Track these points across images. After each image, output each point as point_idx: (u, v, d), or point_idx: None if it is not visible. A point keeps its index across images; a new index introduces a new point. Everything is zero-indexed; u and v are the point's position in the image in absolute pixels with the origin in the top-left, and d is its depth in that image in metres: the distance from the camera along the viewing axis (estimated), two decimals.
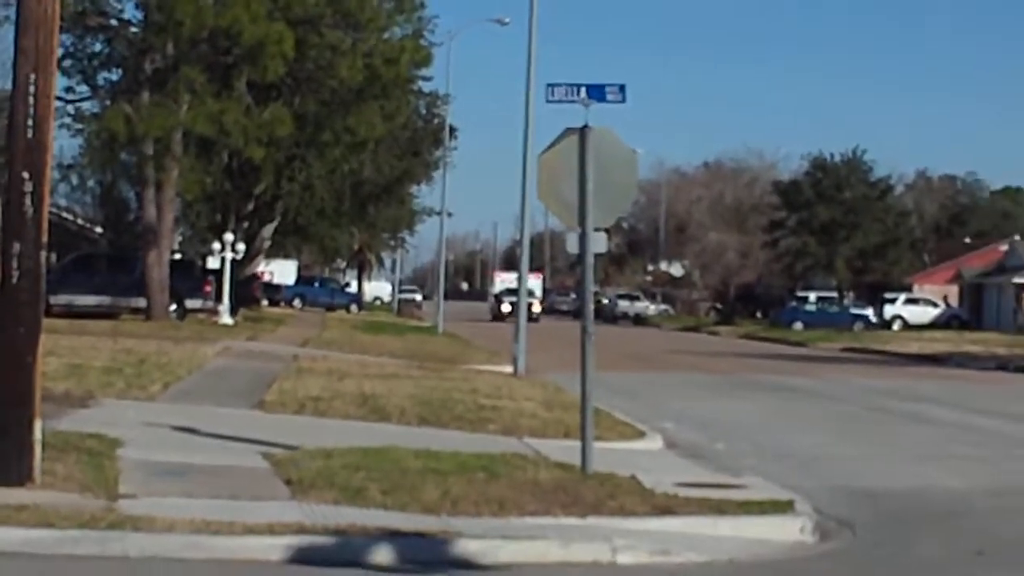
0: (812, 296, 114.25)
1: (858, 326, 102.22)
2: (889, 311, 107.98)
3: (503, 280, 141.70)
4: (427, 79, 77.49)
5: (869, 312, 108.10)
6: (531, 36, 43.67)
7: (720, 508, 17.65)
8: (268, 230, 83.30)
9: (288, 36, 57.05)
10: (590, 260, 19.98)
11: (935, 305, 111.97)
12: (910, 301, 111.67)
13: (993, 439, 29.63)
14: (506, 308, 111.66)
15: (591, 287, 20.49)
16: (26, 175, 16.26)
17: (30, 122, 16.22)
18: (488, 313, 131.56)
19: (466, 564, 14.53)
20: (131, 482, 17.32)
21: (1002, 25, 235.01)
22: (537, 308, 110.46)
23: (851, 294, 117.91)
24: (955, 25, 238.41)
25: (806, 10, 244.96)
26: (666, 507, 17.36)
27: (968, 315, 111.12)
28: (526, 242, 50.18)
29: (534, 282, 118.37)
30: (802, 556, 16.17)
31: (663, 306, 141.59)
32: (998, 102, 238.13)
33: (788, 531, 17.09)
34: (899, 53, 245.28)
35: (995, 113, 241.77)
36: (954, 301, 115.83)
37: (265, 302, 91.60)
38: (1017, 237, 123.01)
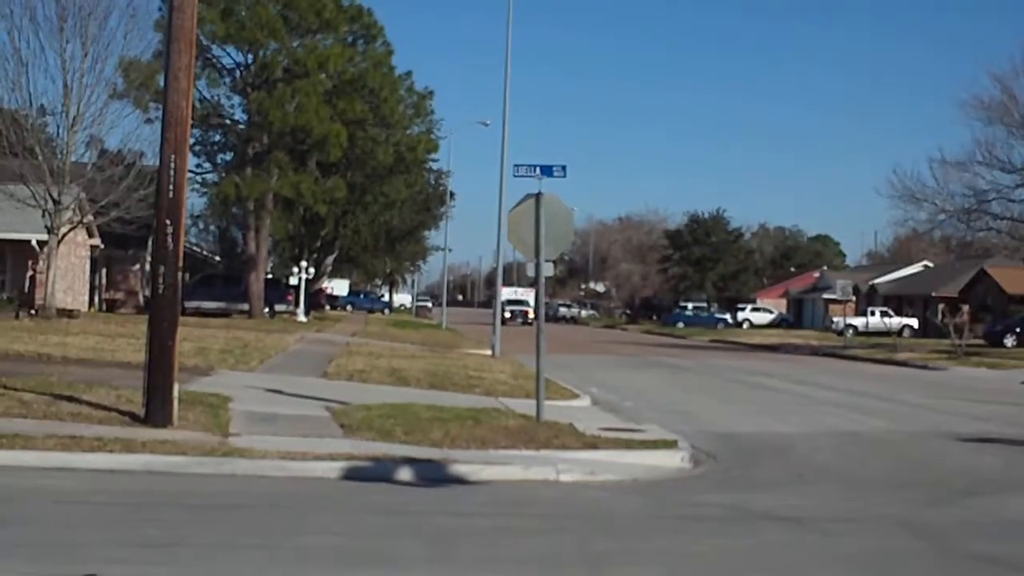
0: (690, 305, 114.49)
1: (720, 326, 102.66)
2: (741, 316, 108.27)
3: (505, 293, 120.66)
4: (435, 160, 77.95)
5: (727, 316, 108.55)
6: (504, 134, 43.75)
7: (628, 444, 17.70)
8: (329, 259, 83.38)
9: (343, 132, 57.33)
10: (543, 281, 20.04)
11: (771, 312, 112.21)
12: (755, 309, 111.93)
13: (808, 400, 29.67)
14: (507, 315, 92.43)
15: (543, 299, 20.51)
16: (168, 222, 16.28)
17: (171, 187, 16.24)
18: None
19: (460, 480, 14.56)
20: (238, 425, 17.34)
21: (817, 107, 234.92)
22: (531, 315, 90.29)
23: (716, 304, 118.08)
24: (782, 110, 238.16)
25: (683, 101, 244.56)
26: (592, 444, 17.39)
27: (793, 319, 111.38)
28: (500, 269, 50.39)
29: (528, 295, 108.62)
30: (683, 476, 16.22)
31: (591, 311, 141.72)
32: (816, 174, 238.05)
33: (673, 460, 17.11)
34: (750, 133, 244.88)
35: (812, 182, 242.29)
36: (784, 310, 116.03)
37: (327, 307, 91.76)
38: (824, 268, 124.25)
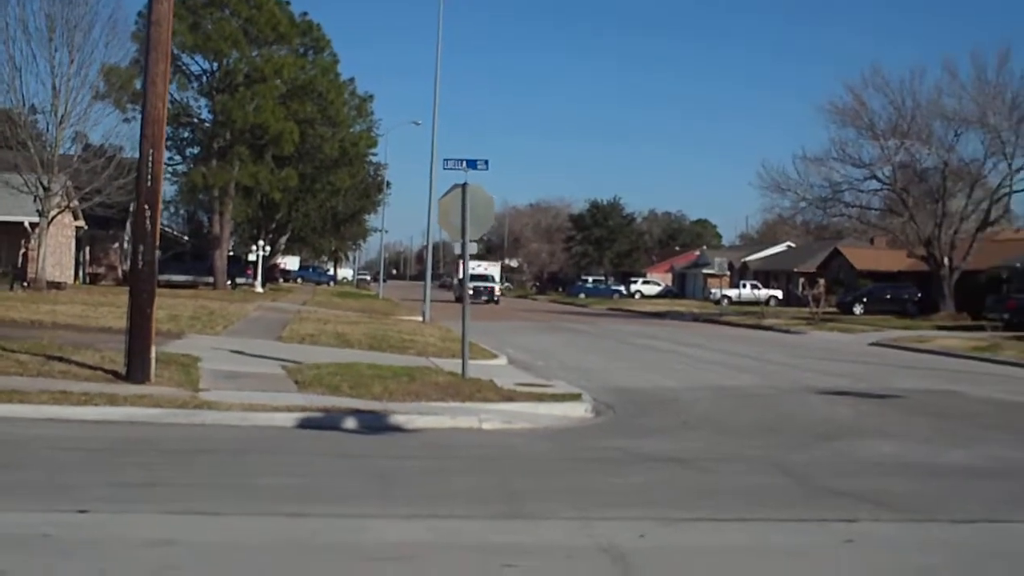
0: (590, 279, 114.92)
1: (616, 296, 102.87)
2: (633, 288, 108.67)
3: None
4: (374, 154, 77.99)
5: (622, 288, 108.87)
6: (434, 129, 43.55)
7: (540, 398, 17.76)
8: (283, 239, 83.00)
9: (295, 130, 57.28)
10: (467, 258, 20.07)
11: (659, 284, 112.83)
12: (645, 282, 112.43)
13: (690, 359, 29.86)
14: (470, 292, 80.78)
15: (468, 273, 20.53)
16: (147, 207, 16.12)
17: (149, 177, 16.06)
18: (452, 295, 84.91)
19: (398, 428, 14.55)
20: (206, 381, 17.20)
21: (701, 109, 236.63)
22: (498, 291, 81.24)
23: (612, 278, 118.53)
24: (672, 112, 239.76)
25: (589, 104, 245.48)
26: (510, 397, 17.45)
27: (677, 291, 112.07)
28: (430, 248, 50.29)
29: (493, 269, 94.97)
30: (586, 424, 16.28)
31: (506, 284, 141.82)
32: (699, 167, 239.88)
33: (578, 411, 17.19)
34: (643, 131, 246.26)
35: (695, 173, 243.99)
36: (670, 283, 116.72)
37: (281, 280, 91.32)
38: (704, 247, 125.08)
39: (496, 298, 76.56)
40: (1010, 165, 56.90)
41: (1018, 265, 59.31)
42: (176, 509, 9.12)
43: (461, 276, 64.41)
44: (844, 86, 63.38)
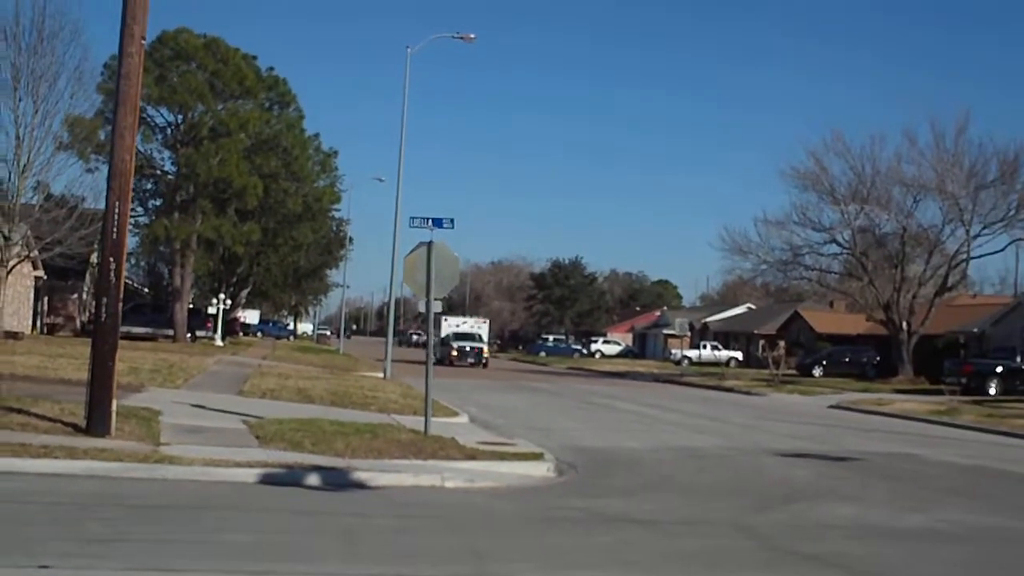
0: (551, 338, 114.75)
1: (576, 355, 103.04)
2: (594, 347, 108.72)
3: (451, 323, 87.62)
4: (337, 210, 77.90)
5: (582, 347, 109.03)
6: (398, 186, 43.67)
7: (502, 456, 17.75)
8: (244, 293, 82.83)
9: (259, 184, 57.41)
10: (431, 316, 20.09)
11: (619, 344, 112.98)
12: (606, 342, 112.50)
13: (652, 420, 29.86)
14: (453, 354, 65.88)
15: (432, 331, 20.56)
16: (112, 260, 16.09)
17: (115, 229, 16.04)
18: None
19: (360, 485, 14.51)
20: (167, 435, 17.07)
21: (660, 169, 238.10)
22: (486, 352, 69.13)
23: (572, 337, 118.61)
24: (632, 171, 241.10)
25: (550, 163, 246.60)
26: (472, 455, 17.41)
27: (637, 351, 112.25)
28: (392, 304, 50.19)
29: (481, 327, 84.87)
30: (549, 484, 16.25)
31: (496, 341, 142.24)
32: (660, 227, 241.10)
33: (540, 470, 17.17)
34: (604, 191, 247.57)
35: (656, 234, 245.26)
36: (630, 342, 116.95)
37: (241, 334, 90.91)
38: (665, 308, 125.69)
39: (484, 360, 66.62)
40: (968, 232, 57.70)
41: (975, 330, 59.94)
42: (139, 565, 9.07)
43: (444, 336, 59.76)
44: (805, 151, 64.15)
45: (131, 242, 66.10)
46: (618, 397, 40.50)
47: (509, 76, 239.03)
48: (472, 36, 41.94)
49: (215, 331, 67.34)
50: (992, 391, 46.13)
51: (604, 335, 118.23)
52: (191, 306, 67.49)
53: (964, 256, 59.36)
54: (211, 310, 69.63)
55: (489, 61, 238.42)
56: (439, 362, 58.86)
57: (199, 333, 65.20)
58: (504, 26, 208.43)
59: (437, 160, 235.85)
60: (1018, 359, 48.74)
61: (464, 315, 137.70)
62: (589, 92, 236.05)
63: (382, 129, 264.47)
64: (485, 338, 73.77)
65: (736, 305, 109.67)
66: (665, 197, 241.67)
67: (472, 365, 64.52)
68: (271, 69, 62.65)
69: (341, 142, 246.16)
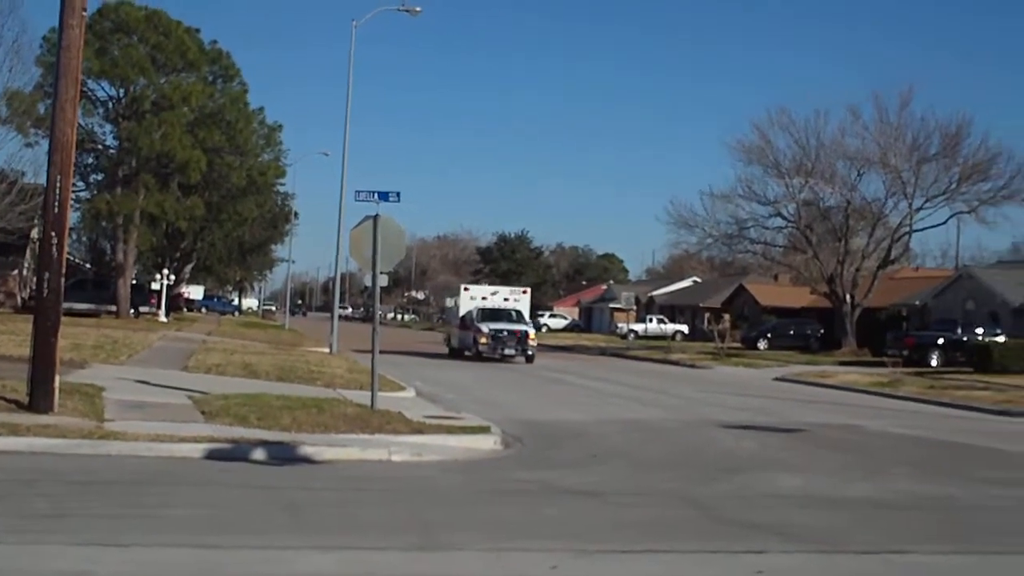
0: None
1: None
2: (540, 321, 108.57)
3: (475, 296, 50.90)
4: (282, 184, 77.36)
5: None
6: (344, 160, 43.52)
7: (449, 430, 17.80)
8: (188, 268, 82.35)
9: (202, 158, 56.88)
10: (377, 291, 20.07)
11: (566, 318, 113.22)
12: (552, 316, 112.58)
13: (598, 393, 30.01)
14: (483, 342, 44.46)
15: (378, 305, 20.54)
16: (53, 235, 15.94)
17: (56, 204, 15.87)
18: (444, 345, 52.69)
19: (307, 459, 14.52)
20: (111, 412, 17.01)
21: (605, 143, 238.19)
22: (533, 338, 45.79)
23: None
24: (578, 145, 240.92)
25: (498, 137, 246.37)
26: (419, 429, 17.44)
27: (584, 325, 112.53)
28: (337, 279, 50.15)
29: (520, 299, 50.77)
30: (495, 457, 16.31)
31: (413, 316, 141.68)
32: (605, 201, 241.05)
33: (487, 443, 17.23)
34: (550, 165, 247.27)
35: (602, 208, 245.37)
36: (576, 317, 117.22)
37: (185, 309, 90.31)
38: (611, 281, 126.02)
39: (531, 351, 44.49)
40: (910, 205, 58.42)
41: (917, 303, 60.66)
42: (85, 540, 9.02)
43: (464, 314, 45.59)
44: (751, 125, 64.50)
45: (73, 217, 65.36)
46: (565, 371, 40.62)
47: (455, 52, 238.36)
48: (418, 9, 41.77)
49: (159, 307, 66.84)
50: (934, 363, 46.78)
51: (550, 309, 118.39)
52: (134, 282, 66.87)
53: (907, 229, 60.13)
54: (155, 286, 69.08)
55: (434, 37, 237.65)
56: (455, 353, 47.03)
57: (143, 309, 64.71)
58: (450, 1, 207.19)
59: (383, 134, 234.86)
60: (959, 331, 49.40)
61: (411, 290, 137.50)
62: (535, 66, 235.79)
63: (328, 104, 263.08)
64: (527, 316, 48.58)
65: (682, 279, 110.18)
66: (611, 171, 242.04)
67: (506, 358, 44.49)
68: (214, 42, 62.10)
69: (286, 116, 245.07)
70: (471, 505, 12.04)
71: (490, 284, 58.86)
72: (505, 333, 44.29)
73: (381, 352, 20.84)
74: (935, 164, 57.57)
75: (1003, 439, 21.65)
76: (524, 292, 50.60)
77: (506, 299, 48.91)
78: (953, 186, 57.43)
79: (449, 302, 49.37)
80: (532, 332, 45.02)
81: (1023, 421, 26.39)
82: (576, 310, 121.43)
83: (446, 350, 49.45)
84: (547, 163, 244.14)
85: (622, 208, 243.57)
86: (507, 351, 44.01)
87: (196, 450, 14.37)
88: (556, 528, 10.78)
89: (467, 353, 45.19)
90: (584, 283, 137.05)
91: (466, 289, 48.99)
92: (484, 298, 48.47)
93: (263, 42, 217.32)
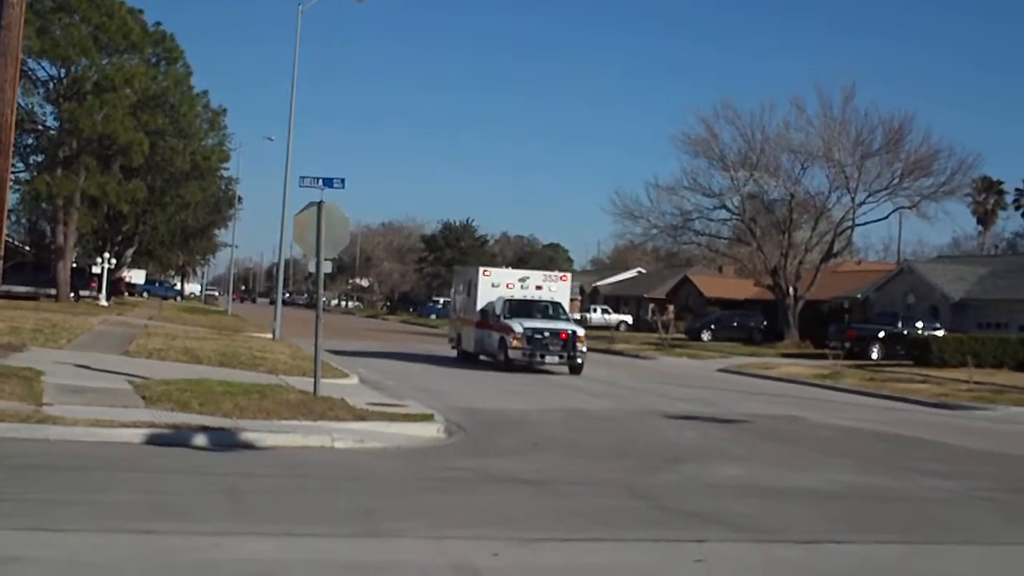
0: (441, 300, 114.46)
1: None
2: None
3: (497, 283, 37.22)
4: (226, 168, 76.57)
5: None
6: (289, 145, 43.22)
7: (392, 417, 17.80)
8: (130, 252, 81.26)
9: (145, 141, 56.10)
10: (321, 277, 19.98)
11: None
12: None
13: (540, 381, 29.99)
14: (517, 345, 32.90)
15: (322, 292, 20.47)
16: None
17: None
18: (449, 346, 40.04)
19: (249, 446, 14.47)
20: (50, 396, 16.82)
21: (553, 134, 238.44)
22: (583, 344, 33.74)
23: None
24: (524, 136, 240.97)
25: (443, 129, 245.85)
26: (362, 416, 17.43)
27: None
28: (281, 264, 49.89)
29: (559, 286, 38.19)
30: (438, 445, 16.35)
31: (357, 303, 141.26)
32: (550, 191, 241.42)
33: (429, 431, 17.26)
34: (495, 156, 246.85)
35: (547, 198, 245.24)
36: None
37: (126, 294, 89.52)
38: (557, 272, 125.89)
39: (579, 358, 33.46)
40: (853, 199, 58.99)
41: (859, 296, 61.25)
42: (22, 525, 8.96)
43: (485, 307, 35.13)
44: (697, 117, 64.81)
45: (11, 199, 64.62)
46: None
47: (401, 43, 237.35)
48: None
49: (100, 291, 66.23)
50: (874, 355, 47.33)
51: None
52: (75, 265, 66.19)
53: (849, 223, 60.76)
54: (95, 269, 68.47)
55: (380, 27, 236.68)
56: (467, 358, 36.67)
57: (83, 293, 64.13)
58: None
59: (328, 120, 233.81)
60: (900, 325, 49.96)
61: (355, 277, 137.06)
62: (481, 60, 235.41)
63: (274, 89, 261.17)
64: (567, 308, 38.34)
65: (627, 269, 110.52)
66: (557, 162, 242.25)
67: (562, 363, 33.41)
68: (158, 24, 61.40)
69: (231, 101, 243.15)
70: (412, 492, 12.05)
71: (513, 269, 44.98)
72: (546, 334, 33.28)
73: (370, 354, 20.79)
74: (878, 159, 58.24)
75: (940, 431, 21.95)
76: (562, 278, 38.56)
77: (539, 286, 37.49)
78: (895, 181, 58.13)
79: (458, 291, 38.76)
80: (581, 333, 34.22)
81: (960, 414, 26.77)
82: None
83: (453, 352, 38.75)
84: (493, 153, 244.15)
85: (568, 198, 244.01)
86: (547, 358, 32.99)
87: (136, 435, 14.27)
88: (498, 516, 10.82)
89: (482, 357, 35.67)
90: None
91: (486, 273, 37.35)
92: (509, 285, 36.91)
93: (209, 24, 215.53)
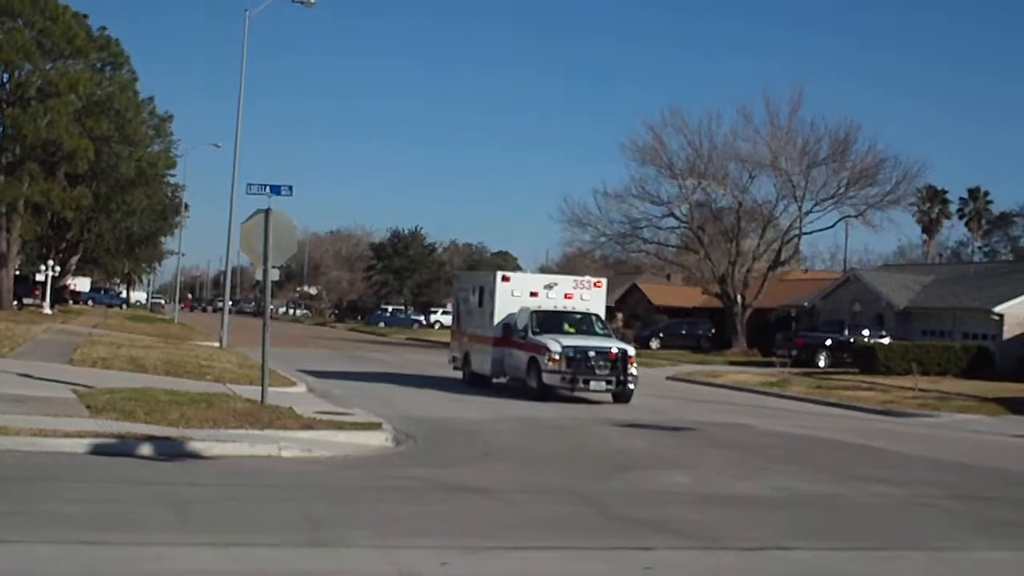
0: (390, 308, 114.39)
1: (415, 326, 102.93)
2: (433, 318, 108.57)
3: (518, 291, 30.39)
4: (173, 175, 76.08)
5: (421, 318, 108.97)
6: (236, 153, 42.98)
7: (340, 426, 17.72)
8: (74, 259, 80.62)
9: (90, 147, 55.70)
10: (269, 285, 19.91)
11: None
12: (445, 312, 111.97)
13: (491, 389, 29.96)
14: (554, 368, 26.68)
15: (269, 300, 20.39)
16: None
17: None
18: (451, 366, 33.56)
19: (195, 455, 14.36)
20: None
21: (502, 142, 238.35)
22: (634, 366, 27.44)
23: (412, 308, 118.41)
24: (473, 144, 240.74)
25: (387, 128, 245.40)
26: (309, 425, 17.36)
27: None
28: (228, 272, 49.58)
29: (595, 296, 31.14)
30: (386, 453, 16.33)
31: (305, 311, 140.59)
32: (499, 199, 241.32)
33: (378, 439, 17.22)
34: (445, 163, 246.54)
35: (496, 205, 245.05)
36: None
37: (71, 302, 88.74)
38: None
39: (630, 382, 27.33)
40: (800, 208, 59.56)
41: (806, 304, 61.70)
42: None
43: (506, 320, 29.29)
44: (644, 125, 65.07)
45: None
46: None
47: (349, 51, 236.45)
48: (312, 1, 41.44)
49: (43, 299, 65.65)
50: (821, 363, 47.69)
51: (444, 306, 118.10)
52: (18, 272, 65.53)
53: (796, 232, 61.37)
54: (39, 277, 67.84)
55: (328, 35, 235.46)
56: (476, 381, 30.86)
57: (26, 301, 63.58)
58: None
59: (276, 127, 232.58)
60: (846, 332, 50.39)
61: (303, 285, 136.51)
62: (430, 67, 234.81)
63: (221, 96, 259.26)
64: (603, 316, 31.37)
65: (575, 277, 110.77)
66: (506, 169, 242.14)
67: (580, 392, 27.42)
68: (103, 29, 60.96)
69: (177, 107, 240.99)
70: (360, 501, 12.01)
71: (539, 274, 38.57)
72: (591, 354, 27.22)
73: (354, 376, 20.67)
74: (824, 168, 58.87)
75: (886, 438, 22.15)
76: (596, 285, 31.93)
77: (568, 295, 30.87)
78: (841, 190, 58.73)
79: (464, 301, 32.98)
80: (632, 352, 28.06)
81: (906, 421, 27.05)
82: None
83: (458, 374, 32.75)
84: (441, 161, 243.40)
85: (516, 206, 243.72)
86: (592, 383, 27.01)
87: (80, 445, 14.13)
88: (446, 525, 10.80)
89: (495, 380, 30.01)
90: None
91: (505, 280, 30.97)
92: (534, 294, 30.43)
93: (153, 27, 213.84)
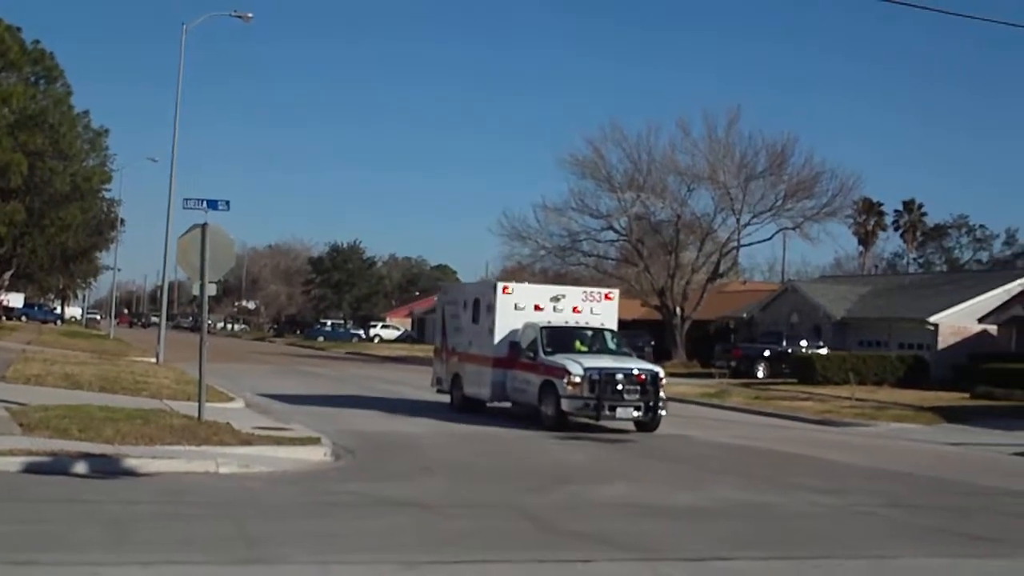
0: (329, 322, 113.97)
1: (355, 340, 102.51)
2: (373, 332, 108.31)
3: (522, 304, 26.69)
4: (108, 190, 75.29)
5: (361, 332, 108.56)
6: (172, 167, 42.72)
7: (279, 441, 17.58)
8: (7, 275, 79.53)
9: (23, 161, 55.10)
10: (206, 300, 19.75)
11: (398, 329, 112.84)
12: (384, 326, 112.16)
13: (434, 403, 29.85)
14: (574, 392, 23.08)
15: (206, 315, 20.24)
16: None
17: None
18: (434, 388, 30.33)
19: (131, 472, 14.20)
20: None
21: (440, 158, 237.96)
22: (663, 384, 24.34)
23: (351, 322, 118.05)
24: (413, 161, 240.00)
25: (325, 142, 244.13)
26: (247, 440, 17.21)
27: (417, 335, 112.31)
28: (165, 288, 49.21)
29: (607, 309, 27.68)
30: (326, 468, 16.21)
31: (243, 326, 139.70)
32: (438, 212, 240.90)
33: (317, 454, 17.12)
34: (382, 177, 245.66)
35: (435, 219, 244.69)
36: (409, 327, 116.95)
37: (3, 318, 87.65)
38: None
39: (661, 408, 23.96)
40: (738, 220, 60.04)
41: (744, 315, 62.16)
42: None
43: (509, 336, 25.93)
44: (583, 139, 65.35)
45: None
46: (397, 382, 40.58)
47: (288, 65, 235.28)
48: (249, 15, 41.36)
49: None
50: (760, 374, 48.12)
51: (383, 320, 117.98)
52: None
53: (735, 244, 61.83)
54: None
55: (266, 47, 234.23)
56: (468, 405, 27.47)
57: None
58: (287, 15, 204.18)
59: (214, 141, 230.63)
60: (784, 343, 50.81)
61: (241, 299, 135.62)
62: (367, 85, 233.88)
63: (157, 110, 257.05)
64: (615, 327, 27.84)
65: None
66: (444, 183, 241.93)
67: (606, 421, 24.31)
68: (37, 42, 60.27)
69: (114, 121, 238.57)
70: (298, 518, 11.92)
71: (542, 285, 31.85)
72: (620, 377, 23.75)
73: (318, 400, 20.50)
74: (762, 181, 59.43)
75: (823, 448, 22.37)
76: (607, 297, 28.34)
77: (577, 308, 27.30)
78: (779, 203, 59.32)
79: (454, 315, 29.42)
80: (662, 374, 24.80)
81: (843, 431, 27.33)
82: (409, 321, 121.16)
83: (445, 398, 29.27)
84: (380, 175, 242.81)
85: (456, 220, 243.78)
86: (619, 410, 23.61)
87: (13, 464, 13.92)
88: (384, 540, 10.75)
89: (490, 405, 26.90)
90: (417, 294, 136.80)
91: (507, 291, 27.07)
92: (538, 307, 26.90)
93: (90, 43, 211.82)
